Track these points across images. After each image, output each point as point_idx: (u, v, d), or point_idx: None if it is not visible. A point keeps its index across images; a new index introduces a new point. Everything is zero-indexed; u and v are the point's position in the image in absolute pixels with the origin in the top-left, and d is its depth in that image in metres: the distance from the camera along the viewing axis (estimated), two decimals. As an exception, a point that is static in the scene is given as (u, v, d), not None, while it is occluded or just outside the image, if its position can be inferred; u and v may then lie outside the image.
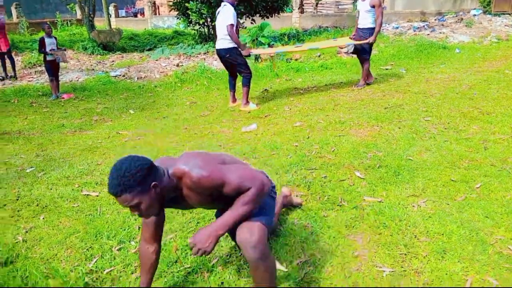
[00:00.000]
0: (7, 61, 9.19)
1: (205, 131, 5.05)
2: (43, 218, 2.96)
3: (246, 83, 5.88)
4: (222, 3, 5.62)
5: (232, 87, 6.10)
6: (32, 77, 9.34)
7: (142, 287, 1.98)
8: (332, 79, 7.55)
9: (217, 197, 1.73)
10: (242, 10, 10.65)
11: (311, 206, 2.96)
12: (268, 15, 11.76)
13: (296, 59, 9.14)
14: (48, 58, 7.29)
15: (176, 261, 2.37)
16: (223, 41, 5.60)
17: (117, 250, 2.51)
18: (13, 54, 9.65)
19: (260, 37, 9.81)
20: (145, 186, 1.54)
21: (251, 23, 11.49)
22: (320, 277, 2.21)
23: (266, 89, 7.15)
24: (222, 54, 5.69)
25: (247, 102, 5.95)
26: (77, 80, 8.78)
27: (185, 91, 7.69)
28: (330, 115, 5.16)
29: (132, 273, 2.29)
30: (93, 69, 9.91)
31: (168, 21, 19.74)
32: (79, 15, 20.01)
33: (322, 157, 3.83)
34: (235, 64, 5.77)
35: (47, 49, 7.29)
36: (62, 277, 2.21)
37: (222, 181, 1.66)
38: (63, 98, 7.33)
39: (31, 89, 7.95)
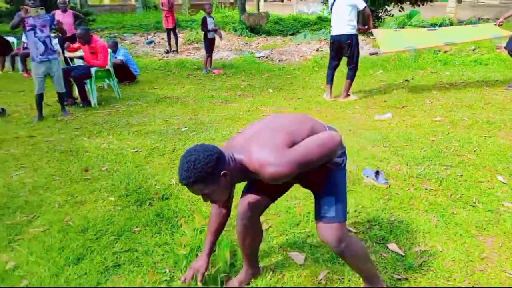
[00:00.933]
0: (172, 37, 10.58)
1: (337, 115, 5.15)
2: (192, 169, 3.50)
3: (352, 76, 5.78)
4: None
5: (331, 80, 5.92)
6: (190, 52, 10.62)
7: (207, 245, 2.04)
8: (486, 76, 6.79)
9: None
10: (392, -3, 10.21)
11: (440, 201, 2.87)
12: (419, 2, 11.01)
13: (445, 51, 8.44)
14: (209, 36, 8.17)
15: (298, 224, 2.60)
16: (346, 27, 5.46)
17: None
18: (176, 31, 11.05)
19: (407, 26, 9.30)
20: (215, 176, 1.54)
21: (399, 11, 10.94)
22: (438, 268, 2.18)
23: (407, 80, 6.84)
24: (343, 40, 5.53)
25: (348, 94, 5.85)
26: (227, 58, 9.69)
27: (321, 76, 7.83)
28: (477, 113, 4.73)
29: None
30: (240, 50, 10.76)
31: (313, 7, 19.92)
32: (233, -2, 21.64)
33: (461, 156, 3.61)
34: (351, 53, 5.62)
35: (209, 28, 8.15)
36: (203, 215, 2.64)
37: (304, 167, 1.55)
38: (213, 73, 8.21)
39: (188, 62, 9.10)
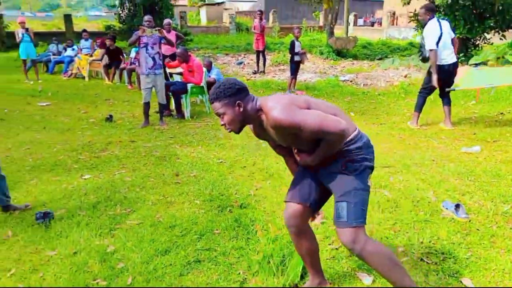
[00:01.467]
0: (261, 58, 11.10)
1: (420, 143, 5.02)
2: (269, 183, 3.72)
3: (450, 102, 5.71)
4: (434, 19, 5.45)
5: (421, 108, 5.84)
6: (276, 74, 11.03)
7: None
8: None
9: (294, 140, 1.91)
10: (491, 24, 9.65)
11: (526, 242, 2.70)
12: (525, 31, 10.22)
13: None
14: (296, 58, 8.50)
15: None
16: (454, 54, 5.46)
17: (321, 223, 2.96)
18: (265, 53, 11.57)
19: (508, 55, 8.69)
20: (231, 101, 1.85)
21: (501, 39, 10.25)
22: (516, 310, 2.09)
23: (502, 113, 6.40)
24: (456, 67, 5.52)
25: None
26: (310, 80, 9.91)
27: (407, 102, 7.65)
28: None
29: (330, 244, 2.70)
30: (325, 72, 10.92)
31: (405, 32, 19.44)
32: (321, 22, 22.01)
33: (557, 197, 3.33)
34: (452, 80, 5.56)
35: (296, 51, 8.48)
36: (277, 226, 2.81)
37: (299, 126, 1.77)
38: (296, 94, 8.46)
39: (273, 83, 9.48)
